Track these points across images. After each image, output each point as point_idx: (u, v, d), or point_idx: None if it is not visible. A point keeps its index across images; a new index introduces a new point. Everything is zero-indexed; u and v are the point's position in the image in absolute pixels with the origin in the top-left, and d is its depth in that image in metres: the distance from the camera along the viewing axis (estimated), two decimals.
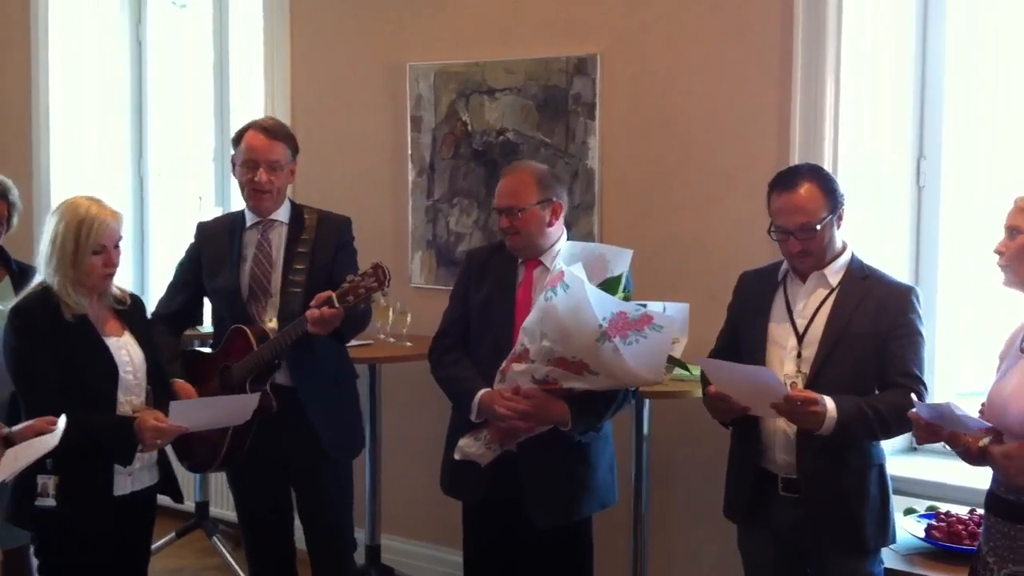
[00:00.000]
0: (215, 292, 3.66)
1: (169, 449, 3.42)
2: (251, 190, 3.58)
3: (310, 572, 3.77)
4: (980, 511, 2.79)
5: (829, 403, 2.81)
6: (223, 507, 5.03)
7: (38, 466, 3.06)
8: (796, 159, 3.63)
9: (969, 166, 3.87)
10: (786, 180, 3.00)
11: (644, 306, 3.07)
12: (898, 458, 3.67)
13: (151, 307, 3.69)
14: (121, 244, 3.24)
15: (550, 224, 3.30)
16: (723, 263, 3.73)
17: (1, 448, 2.90)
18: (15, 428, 3.02)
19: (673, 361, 3.17)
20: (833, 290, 3.00)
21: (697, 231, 3.99)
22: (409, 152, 4.63)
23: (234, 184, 4.00)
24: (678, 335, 3.15)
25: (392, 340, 4.32)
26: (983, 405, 2.64)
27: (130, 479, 3.24)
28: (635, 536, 3.86)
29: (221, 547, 4.90)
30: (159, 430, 3.11)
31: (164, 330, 3.61)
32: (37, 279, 3.22)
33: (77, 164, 5.67)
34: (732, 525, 3.19)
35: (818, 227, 2.94)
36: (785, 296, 3.05)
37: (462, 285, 3.47)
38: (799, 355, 2.97)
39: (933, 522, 3.26)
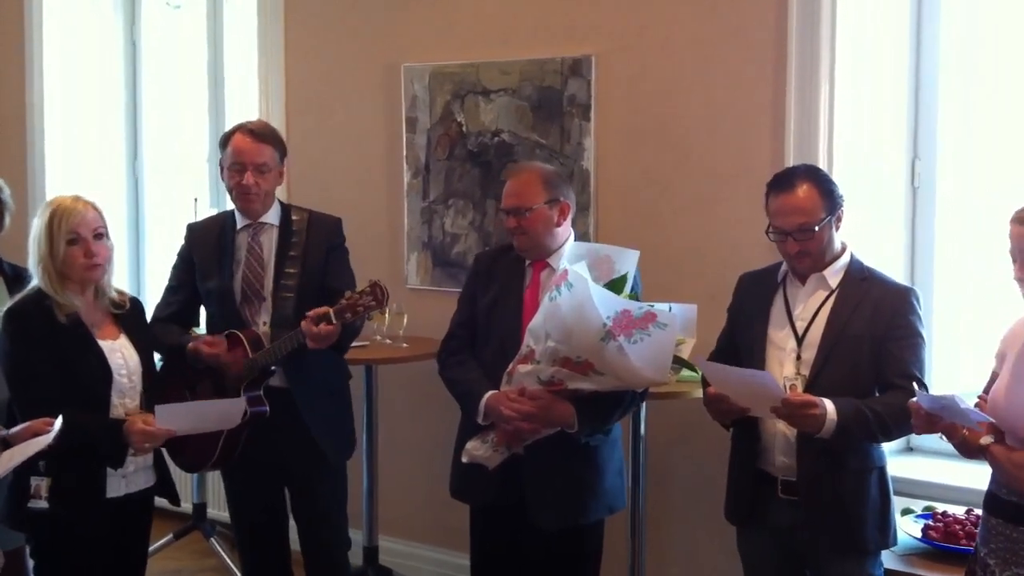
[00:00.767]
0: (208, 295, 3.66)
1: (166, 452, 3.42)
2: (238, 193, 3.58)
3: (304, 573, 3.78)
4: (977, 511, 2.79)
5: (829, 406, 2.80)
6: (220, 509, 5.02)
7: (31, 468, 3.08)
8: (791, 160, 3.63)
9: (964, 166, 3.87)
10: (784, 181, 3.00)
11: (651, 307, 3.05)
12: (895, 458, 3.67)
13: (149, 308, 3.68)
14: (115, 244, 3.24)
15: (558, 224, 3.30)
16: (719, 265, 3.73)
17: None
18: (12, 430, 3.03)
19: (680, 362, 3.15)
20: (833, 292, 2.99)
21: (693, 233, 4.00)
22: (404, 153, 4.62)
23: None
24: (686, 337, 3.14)
25: (388, 341, 4.32)
26: (980, 398, 2.62)
27: (124, 481, 3.24)
28: (632, 537, 3.86)
29: (219, 548, 4.90)
30: (147, 433, 3.11)
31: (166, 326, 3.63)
32: (32, 282, 3.22)
33: (72, 165, 5.66)
34: (731, 526, 3.19)
35: (816, 228, 2.93)
36: (784, 298, 3.04)
37: (469, 288, 3.47)
38: (799, 357, 2.97)
39: (930, 522, 3.26)
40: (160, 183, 5.74)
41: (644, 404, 3.72)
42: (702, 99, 3.95)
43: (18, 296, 3.23)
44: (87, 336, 3.19)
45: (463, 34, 4.48)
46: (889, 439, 2.98)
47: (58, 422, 2.92)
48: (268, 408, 3.49)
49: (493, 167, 4.39)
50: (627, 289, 3.16)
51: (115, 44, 5.69)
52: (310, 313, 3.33)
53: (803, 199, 2.94)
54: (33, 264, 3.19)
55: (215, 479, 4.82)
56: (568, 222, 3.35)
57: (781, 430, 2.96)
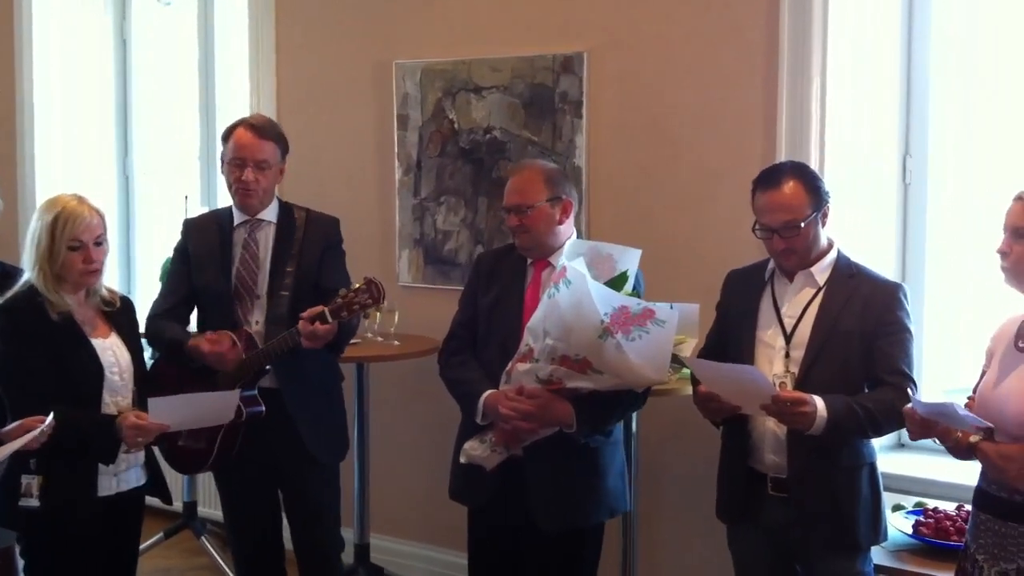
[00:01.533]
0: (201, 290, 3.63)
1: (159, 453, 3.42)
2: (238, 189, 3.56)
3: (298, 573, 3.77)
4: (968, 507, 2.80)
5: (819, 403, 2.80)
6: (211, 507, 5.02)
7: (22, 466, 3.07)
8: (783, 157, 3.63)
9: (955, 163, 3.88)
10: (770, 178, 2.99)
11: (650, 304, 3.03)
12: (885, 455, 3.67)
13: (139, 305, 3.67)
14: (106, 243, 3.23)
15: (560, 222, 3.28)
16: (711, 262, 3.73)
17: None
18: (6, 428, 3.02)
19: (680, 361, 3.13)
20: (820, 289, 2.98)
21: (685, 230, 4.00)
22: (396, 150, 4.62)
23: (220, 182, 3.97)
24: (687, 336, 3.12)
25: (380, 339, 4.31)
26: (969, 399, 2.64)
27: (115, 479, 3.23)
28: (624, 535, 3.86)
29: (209, 547, 4.89)
30: (140, 428, 3.10)
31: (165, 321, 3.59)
32: (24, 278, 3.21)
33: (62, 163, 5.64)
34: (722, 524, 3.19)
35: (802, 225, 2.92)
36: (772, 296, 3.04)
37: (471, 288, 3.45)
38: (787, 355, 2.96)
39: (921, 518, 3.27)
40: (151, 181, 5.72)
41: None
42: (694, 96, 3.95)
43: (9, 293, 3.21)
44: (79, 333, 3.18)
45: (454, 31, 4.48)
46: (879, 435, 2.98)
47: (49, 418, 2.92)
48: (264, 408, 3.47)
49: (485, 164, 4.38)
50: (628, 287, 3.14)
51: (106, 41, 5.67)
52: (304, 314, 3.32)
53: (789, 196, 2.93)
54: (28, 262, 3.18)
55: (206, 478, 4.81)
56: (571, 220, 3.33)
57: (771, 428, 2.96)
